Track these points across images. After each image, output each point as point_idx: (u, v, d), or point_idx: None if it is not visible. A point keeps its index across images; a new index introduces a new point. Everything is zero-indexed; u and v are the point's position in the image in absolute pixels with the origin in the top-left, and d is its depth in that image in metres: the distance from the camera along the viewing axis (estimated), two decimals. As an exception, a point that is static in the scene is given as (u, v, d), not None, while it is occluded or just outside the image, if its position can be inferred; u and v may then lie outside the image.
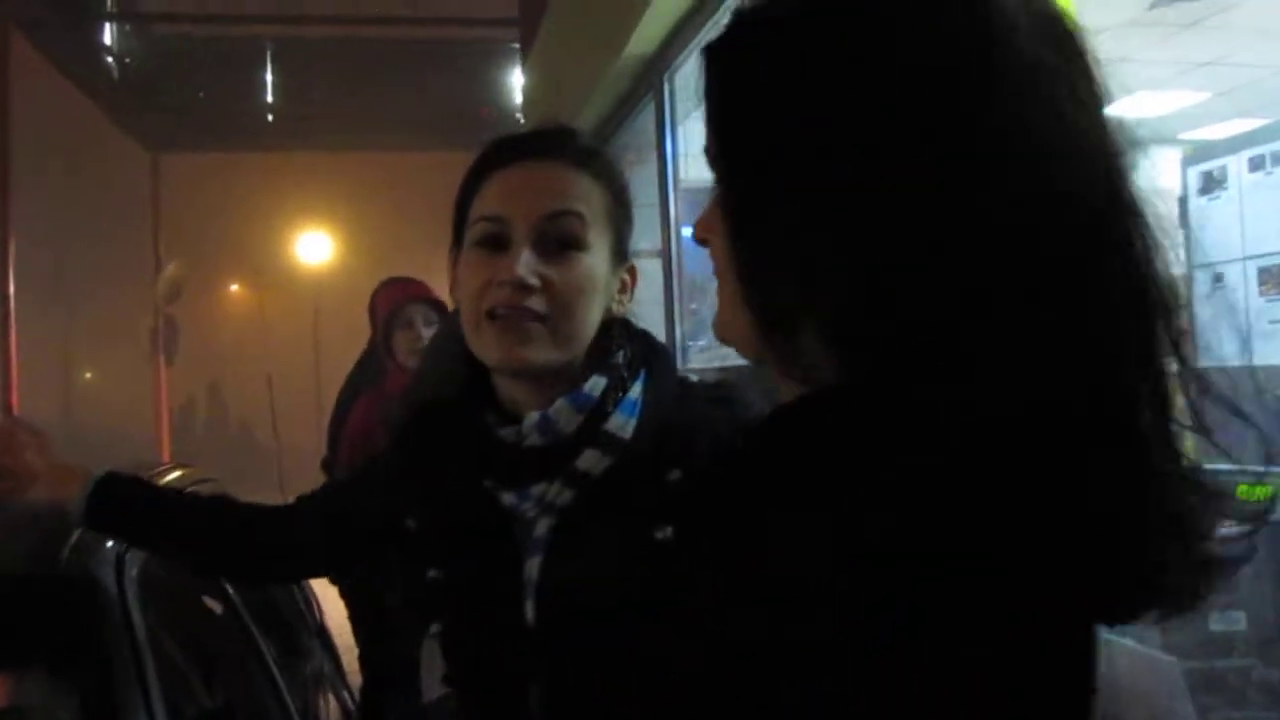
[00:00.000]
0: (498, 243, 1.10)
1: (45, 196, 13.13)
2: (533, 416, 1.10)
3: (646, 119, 4.87)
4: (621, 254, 1.16)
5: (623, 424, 1.11)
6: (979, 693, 0.52)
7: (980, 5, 0.57)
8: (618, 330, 1.17)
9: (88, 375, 23.39)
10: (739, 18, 0.64)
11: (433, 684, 1.85)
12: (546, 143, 1.15)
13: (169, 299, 13.75)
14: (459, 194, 1.18)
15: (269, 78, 14.04)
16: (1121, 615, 0.57)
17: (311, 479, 3.65)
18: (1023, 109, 0.55)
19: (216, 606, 2.07)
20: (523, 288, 1.07)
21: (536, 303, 1.08)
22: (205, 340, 17.47)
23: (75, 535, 1.67)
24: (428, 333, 3.15)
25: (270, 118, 14.06)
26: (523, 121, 10.97)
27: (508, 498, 1.11)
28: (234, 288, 20.57)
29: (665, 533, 1.03)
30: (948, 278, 0.54)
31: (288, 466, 4.70)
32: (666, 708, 0.57)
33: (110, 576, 1.57)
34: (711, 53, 0.65)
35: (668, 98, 4.57)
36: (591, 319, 1.12)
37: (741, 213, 0.62)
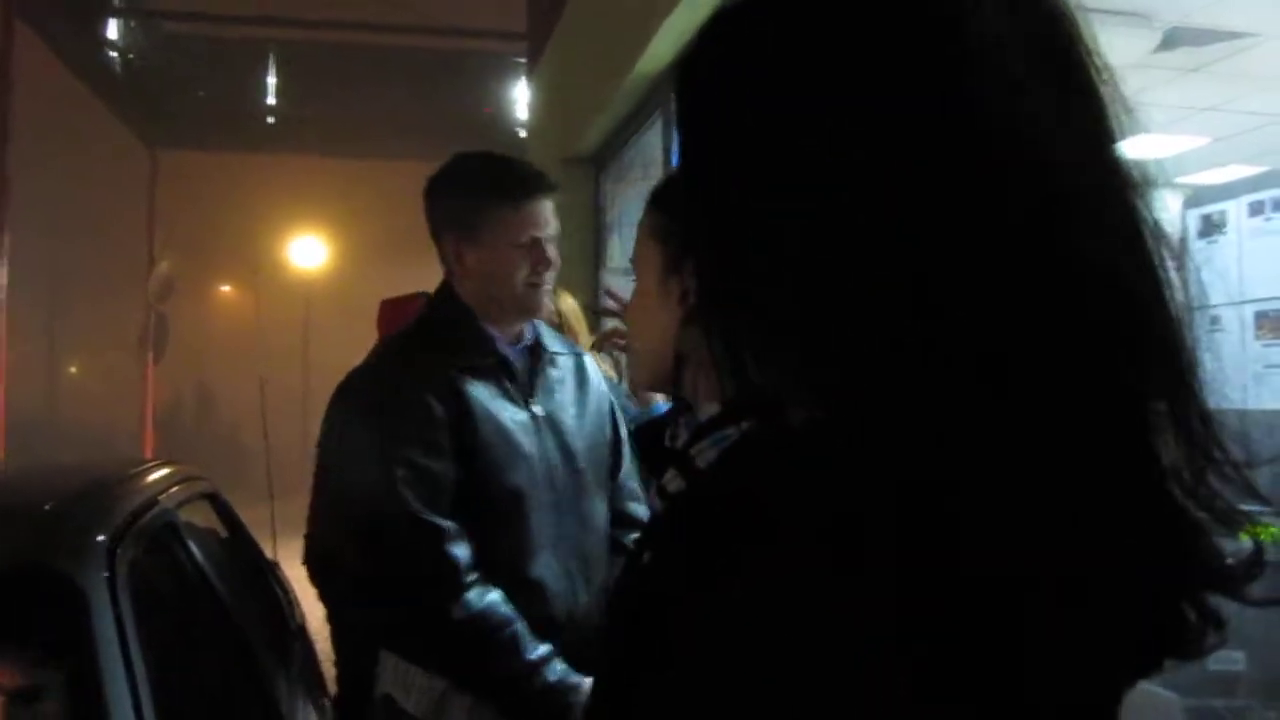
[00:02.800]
0: None
1: (44, 187, 13.07)
2: (678, 422, 1.21)
3: (653, 137, 4.87)
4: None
5: (704, 451, 1.11)
6: None
7: (950, 20, 0.54)
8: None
9: (73, 370, 23.24)
10: (702, 33, 0.62)
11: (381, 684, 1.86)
12: None
13: (160, 297, 13.68)
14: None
15: (271, 80, 14.03)
16: (1148, 667, 0.55)
17: (298, 482, 3.63)
18: (998, 123, 0.53)
19: (207, 606, 2.05)
20: None
21: None
22: (194, 340, 17.38)
23: (66, 531, 1.66)
24: None
25: (271, 120, 14.04)
26: (523, 135, 10.97)
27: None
28: (226, 288, 20.50)
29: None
30: (921, 296, 0.51)
31: (274, 469, 4.68)
32: None
33: (100, 573, 1.55)
34: (679, 69, 0.63)
35: (675, 117, 4.51)
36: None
37: (705, 234, 0.61)
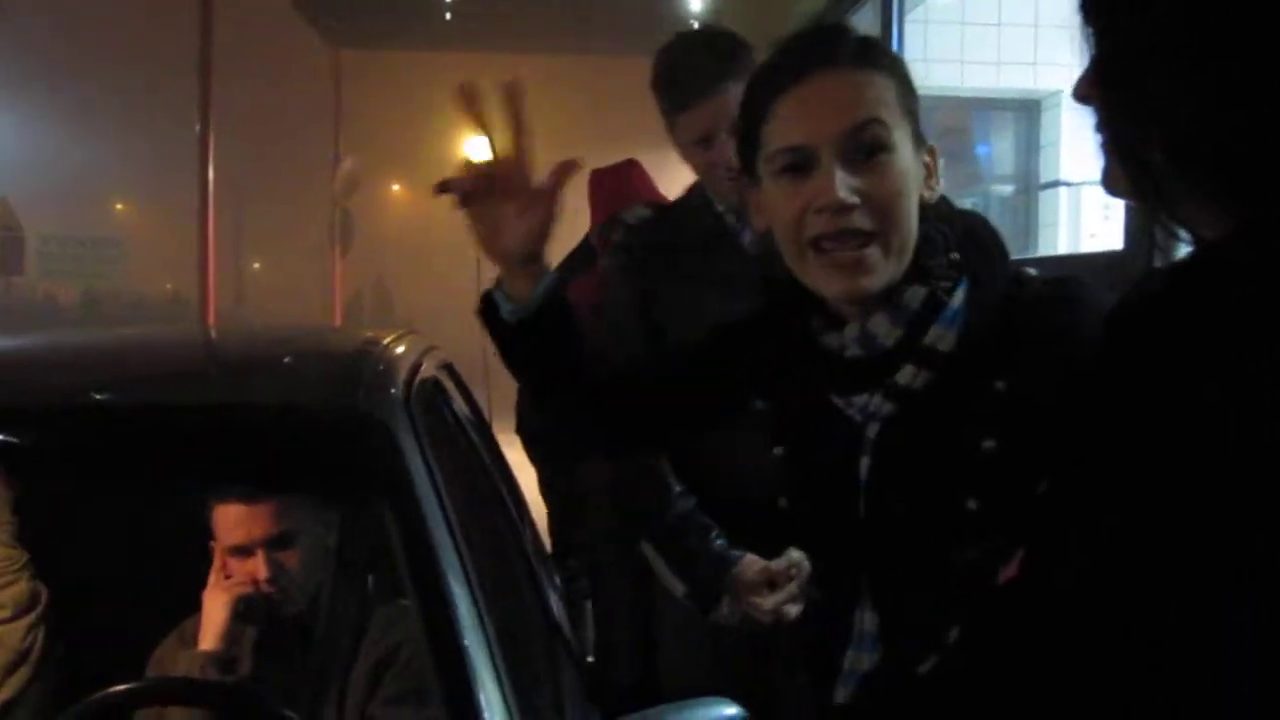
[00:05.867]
0: (802, 167, 1.10)
1: (237, 89, 13.61)
2: (853, 328, 1.12)
3: (864, 19, 4.69)
4: (920, 139, 1.15)
5: (941, 336, 1.10)
6: None
7: None
8: (935, 231, 1.14)
9: (256, 266, 24.40)
10: None
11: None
12: (823, 51, 1.12)
13: (346, 194, 14.18)
14: (742, 122, 1.18)
15: (450, -24, 14.14)
16: None
17: (474, 373, 3.76)
18: None
19: (472, 462, 2.18)
20: (844, 209, 1.07)
21: (861, 220, 1.07)
22: (373, 235, 18.00)
23: (368, 381, 1.78)
24: None
25: (448, 16, 14.19)
26: (700, 24, 10.76)
27: (837, 400, 1.15)
28: (401, 185, 21.07)
29: (991, 444, 1.04)
30: None
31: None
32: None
33: (403, 416, 1.66)
34: None
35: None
36: (914, 219, 1.11)
37: (1109, 62, 0.62)
